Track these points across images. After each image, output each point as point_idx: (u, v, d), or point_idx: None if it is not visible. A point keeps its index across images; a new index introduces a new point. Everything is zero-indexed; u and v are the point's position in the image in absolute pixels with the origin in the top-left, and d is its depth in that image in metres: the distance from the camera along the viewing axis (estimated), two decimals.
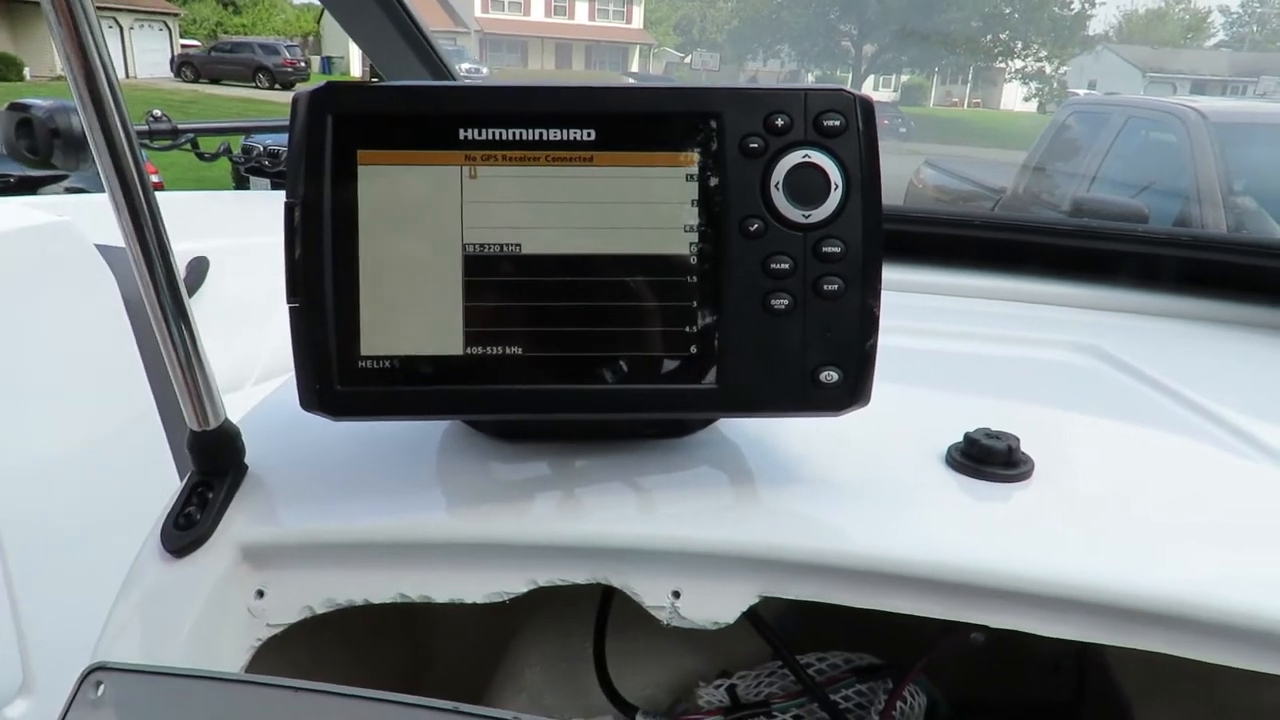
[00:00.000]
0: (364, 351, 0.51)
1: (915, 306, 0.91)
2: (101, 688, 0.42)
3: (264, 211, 2.36)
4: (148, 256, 0.50)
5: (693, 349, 0.52)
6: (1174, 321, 0.91)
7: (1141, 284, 0.94)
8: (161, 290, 0.51)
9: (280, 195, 0.51)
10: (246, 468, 0.58)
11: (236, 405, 0.67)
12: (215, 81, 21.94)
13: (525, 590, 0.54)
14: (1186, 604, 0.47)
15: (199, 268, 1.97)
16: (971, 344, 0.83)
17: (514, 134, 0.51)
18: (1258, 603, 0.47)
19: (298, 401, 0.51)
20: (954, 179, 4.89)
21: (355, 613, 0.58)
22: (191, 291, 1.84)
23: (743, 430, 0.64)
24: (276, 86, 21.30)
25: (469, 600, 0.53)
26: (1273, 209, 2.80)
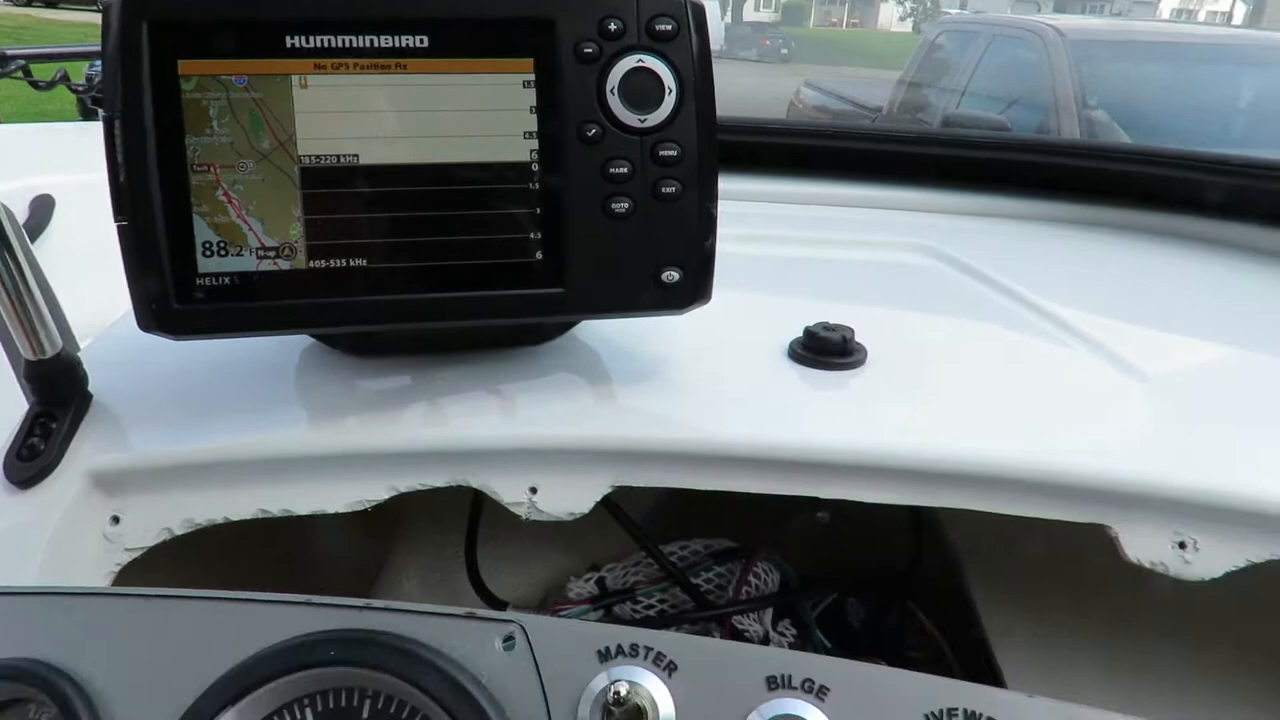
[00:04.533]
0: (201, 269, 0.50)
1: (761, 214, 0.95)
2: None
3: None
4: None
5: (538, 254, 0.53)
6: (1006, 221, 0.98)
7: (977, 187, 1.00)
8: None
9: None
10: (90, 396, 0.57)
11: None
12: (51, 5, 20.01)
13: (386, 497, 0.55)
14: (996, 465, 0.53)
15: (43, 206, 1.82)
16: (815, 248, 0.87)
17: (344, 41, 0.50)
18: (1054, 462, 0.52)
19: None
20: (833, 99, 4.97)
21: (225, 544, 0.59)
22: (37, 233, 1.71)
23: (598, 334, 0.66)
24: None
25: (330, 510, 0.54)
26: (1123, 120, 2.98)
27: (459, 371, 0.60)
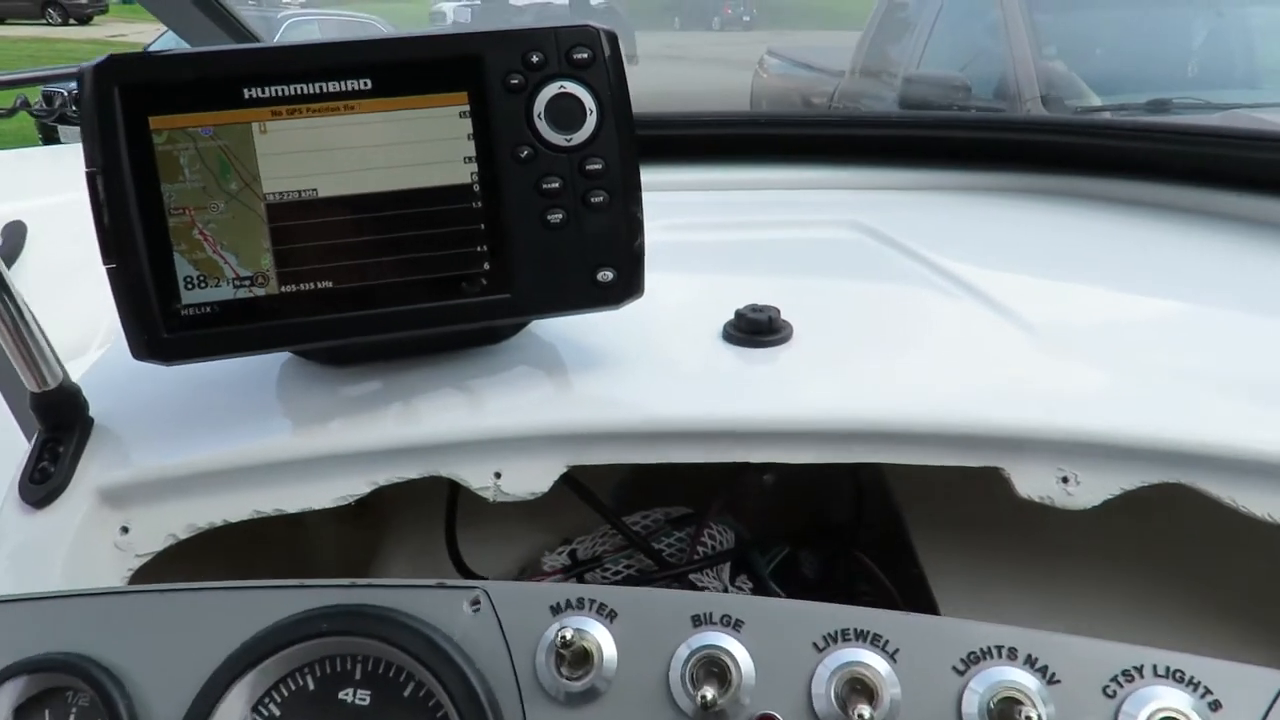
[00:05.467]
0: (184, 301, 0.56)
1: (696, 203, 1.02)
2: None
3: (80, 165, 2.23)
4: None
5: (486, 265, 0.60)
6: (928, 193, 1.05)
7: (898, 162, 1.07)
8: None
9: None
10: (92, 420, 0.63)
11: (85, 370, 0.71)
12: None
13: (367, 491, 0.61)
14: (902, 423, 0.60)
15: (16, 234, 1.86)
16: (747, 231, 0.93)
17: (295, 89, 0.56)
18: (951, 416, 0.60)
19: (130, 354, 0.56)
20: (797, 66, 5.01)
21: (226, 554, 0.65)
22: (11, 259, 1.75)
23: (549, 330, 0.72)
24: (71, 22, 19.31)
25: (318, 506, 0.61)
26: (1081, 69, 3.03)
27: (424, 374, 0.67)
